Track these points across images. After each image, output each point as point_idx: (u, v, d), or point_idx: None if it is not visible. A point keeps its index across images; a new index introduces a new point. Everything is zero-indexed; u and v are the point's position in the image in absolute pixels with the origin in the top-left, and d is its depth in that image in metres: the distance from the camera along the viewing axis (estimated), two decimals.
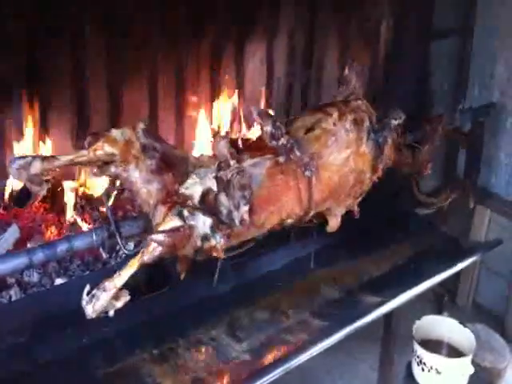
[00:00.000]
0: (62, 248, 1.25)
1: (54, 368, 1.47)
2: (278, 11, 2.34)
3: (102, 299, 1.25)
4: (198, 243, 1.34)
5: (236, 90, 2.31)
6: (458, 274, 2.78)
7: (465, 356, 2.08)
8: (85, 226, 1.70)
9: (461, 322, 2.19)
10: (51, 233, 1.70)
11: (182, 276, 1.42)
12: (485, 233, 2.69)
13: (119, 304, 1.29)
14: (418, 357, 2.10)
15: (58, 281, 1.61)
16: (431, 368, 2.07)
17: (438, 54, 2.52)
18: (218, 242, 1.35)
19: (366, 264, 2.02)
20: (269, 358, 1.55)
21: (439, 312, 2.59)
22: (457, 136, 2.24)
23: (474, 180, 2.31)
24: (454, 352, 2.17)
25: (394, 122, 1.73)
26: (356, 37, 2.47)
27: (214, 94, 2.25)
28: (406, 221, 2.28)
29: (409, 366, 2.15)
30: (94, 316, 1.26)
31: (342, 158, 1.60)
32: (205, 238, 1.35)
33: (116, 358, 1.52)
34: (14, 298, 1.56)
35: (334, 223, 1.74)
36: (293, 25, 2.40)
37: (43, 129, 1.88)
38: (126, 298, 1.30)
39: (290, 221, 1.56)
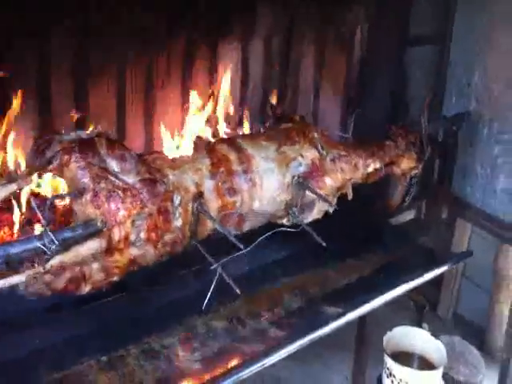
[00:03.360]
0: None
1: None
2: (254, 14, 2.32)
3: None
4: None
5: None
6: (438, 285, 2.75)
7: (435, 369, 2.04)
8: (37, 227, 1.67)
9: (433, 334, 2.15)
10: (4, 233, 1.67)
11: None
12: (466, 244, 2.65)
13: None
14: (387, 369, 2.05)
15: None
16: (400, 381, 2.02)
17: (414, 61, 2.49)
18: None
19: (333, 273, 1.99)
20: (219, 369, 1.51)
21: (419, 323, 2.55)
22: (431, 144, 2.21)
23: (447, 189, 2.27)
24: (427, 365, 2.13)
25: None
26: (332, 42, 2.44)
27: (185, 97, 2.23)
28: (378, 230, 2.25)
29: (380, 379, 2.11)
30: None
31: None
32: None
33: (62, 364, 1.48)
34: None
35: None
36: (269, 28, 2.38)
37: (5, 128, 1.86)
38: None
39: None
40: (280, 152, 1.83)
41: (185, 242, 1.60)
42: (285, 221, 1.92)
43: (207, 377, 1.49)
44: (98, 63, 2.01)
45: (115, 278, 1.47)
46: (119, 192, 1.39)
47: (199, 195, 1.61)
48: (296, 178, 1.82)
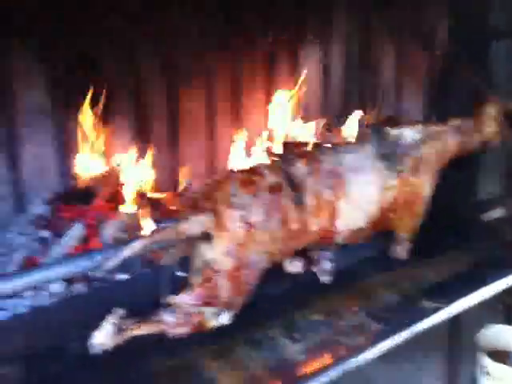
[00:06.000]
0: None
1: (115, 359, 1.46)
2: (331, 15, 2.36)
3: None
4: None
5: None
6: None
7: None
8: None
9: None
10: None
11: None
12: None
13: None
14: (483, 367, 2.02)
15: (120, 277, 1.68)
16: (498, 379, 1.98)
17: (499, 55, 2.43)
18: None
19: (425, 270, 1.97)
20: (324, 360, 1.54)
21: (508, 323, 2.48)
22: None
23: None
24: None
25: None
26: (412, 39, 2.43)
27: (269, 100, 2.29)
28: (469, 227, 2.21)
29: (474, 378, 2.07)
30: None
31: None
32: None
33: (177, 351, 1.54)
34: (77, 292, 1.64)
35: None
36: (348, 29, 2.41)
37: (105, 133, 1.97)
38: None
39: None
40: None
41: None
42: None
43: (313, 368, 1.51)
44: (188, 72, 2.11)
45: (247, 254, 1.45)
46: None
47: None
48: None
